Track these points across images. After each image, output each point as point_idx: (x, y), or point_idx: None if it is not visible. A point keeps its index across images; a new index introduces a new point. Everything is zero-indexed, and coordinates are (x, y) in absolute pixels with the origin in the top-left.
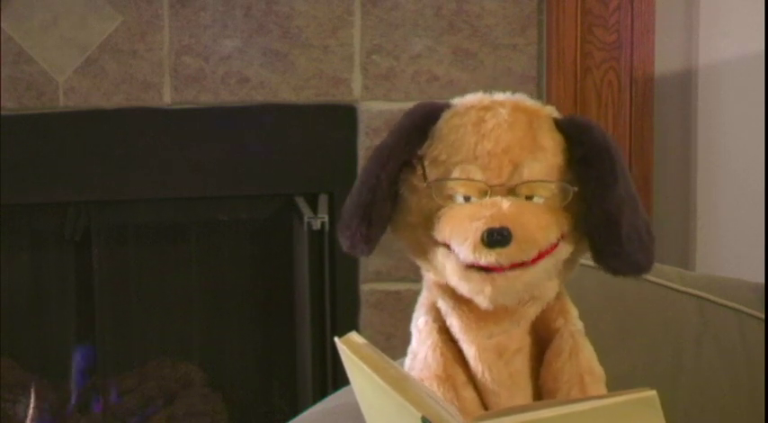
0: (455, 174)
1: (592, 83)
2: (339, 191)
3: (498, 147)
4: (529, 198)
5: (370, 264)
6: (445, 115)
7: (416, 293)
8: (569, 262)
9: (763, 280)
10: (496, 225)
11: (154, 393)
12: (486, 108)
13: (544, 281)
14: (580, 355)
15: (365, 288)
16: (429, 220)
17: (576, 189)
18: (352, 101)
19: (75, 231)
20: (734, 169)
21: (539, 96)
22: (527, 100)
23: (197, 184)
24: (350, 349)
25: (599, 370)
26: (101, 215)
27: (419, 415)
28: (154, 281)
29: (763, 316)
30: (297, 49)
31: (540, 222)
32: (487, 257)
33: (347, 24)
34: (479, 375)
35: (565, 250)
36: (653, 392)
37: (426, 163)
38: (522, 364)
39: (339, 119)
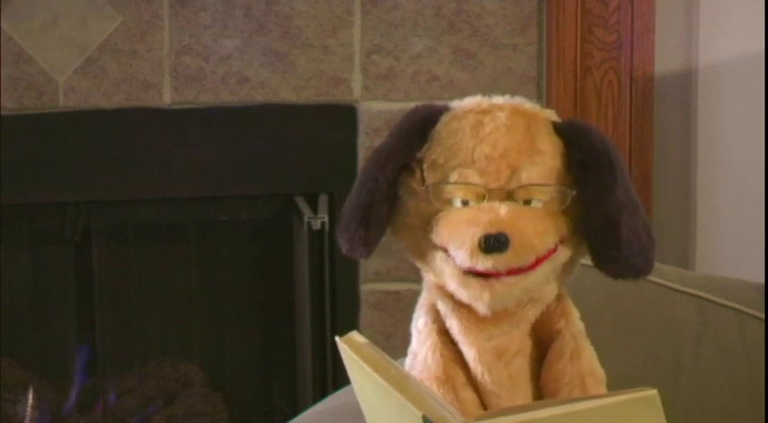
0: (453, 177)
1: (592, 83)
2: (339, 191)
3: (496, 151)
4: (527, 202)
5: (370, 264)
6: (444, 118)
7: (416, 293)
8: (568, 265)
9: (763, 280)
10: (494, 231)
11: (154, 393)
12: (485, 112)
13: (543, 285)
14: (582, 356)
15: (365, 288)
16: (428, 224)
17: (574, 192)
18: (352, 101)
19: (75, 231)
20: (734, 169)
21: (539, 96)
22: (526, 103)
23: (197, 184)
24: (351, 348)
25: (600, 372)
26: (101, 215)
27: (420, 414)
28: (154, 281)
29: (763, 316)
30: (297, 49)
31: (537, 228)
32: (484, 263)
33: (347, 24)
34: (479, 377)
35: (563, 255)
36: (654, 392)
37: (425, 166)
38: (521, 365)
39: (339, 119)
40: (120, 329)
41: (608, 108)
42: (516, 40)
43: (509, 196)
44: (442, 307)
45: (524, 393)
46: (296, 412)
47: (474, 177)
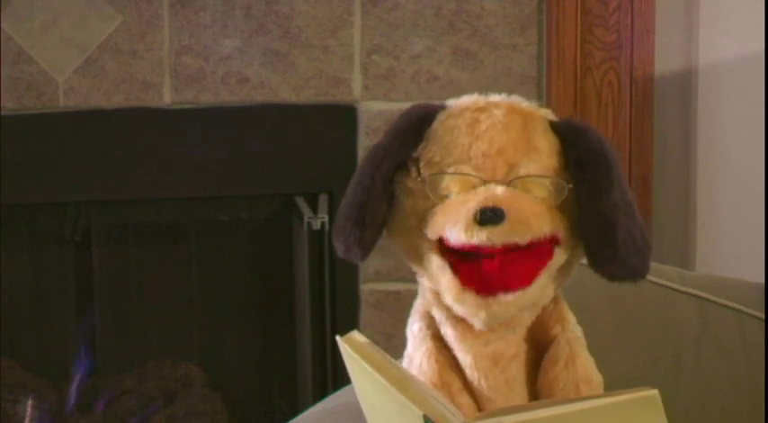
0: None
1: (592, 83)
2: (339, 191)
3: (492, 148)
4: None
5: (370, 264)
6: (440, 117)
7: (416, 293)
8: (565, 268)
9: (763, 280)
10: (489, 204)
11: (154, 393)
12: (481, 109)
13: (539, 297)
14: (577, 362)
15: (365, 288)
16: (424, 222)
17: (570, 186)
18: (352, 101)
19: (75, 231)
20: (734, 169)
21: (539, 96)
22: (522, 102)
23: (197, 184)
24: (351, 348)
25: (597, 378)
26: (101, 215)
27: (421, 414)
28: (154, 281)
29: (763, 316)
30: (297, 49)
31: (534, 209)
32: (479, 235)
33: (347, 24)
34: (475, 383)
35: (559, 258)
36: (654, 391)
37: (421, 164)
38: (517, 370)
39: (339, 119)
40: (120, 329)
41: (608, 108)
42: (516, 40)
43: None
44: (437, 314)
45: (520, 398)
46: (296, 412)
47: (470, 174)
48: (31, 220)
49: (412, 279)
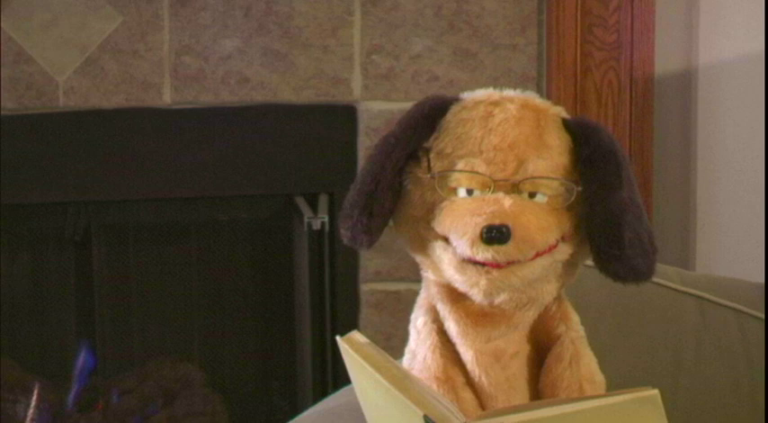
0: (459, 166)
1: (592, 83)
2: (339, 191)
3: (504, 142)
4: (532, 195)
5: (370, 264)
6: (453, 109)
7: (416, 293)
8: (570, 266)
9: (763, 280)
10: (496, 222)
11: (154, 393)
12: (495, 103)
13: (541, 280)
14: (580, 362)
15: (365, 288)
16: (431, 214)
17: (579, 189)
18: (352, 101)
19: (76, 231)
20: (734, 169)
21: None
22: (536, 98)
23: (197, 184)
24: (352, 348)
25: (600, 378)
26: (101, 215)
27: (421, 414)
28: (154, 281)
29: (763, 316)
30: (297, 49)
31: (540, 223)
32: (484, 254)
33: (347, 24)
34: (476, 379)
35: (564, 251)
36: (655, 391)
37: (431, 155)
38: (519, 368)
39: (339, 119)
40: (120, 329)
41: (608, 108)
42: (516, 40)
43: (514, 188)
44: (441, 308)
45: (521, 396)
46: (296, 412)
47: (481, 167)
48: (31, 220)
49: (412, 279)
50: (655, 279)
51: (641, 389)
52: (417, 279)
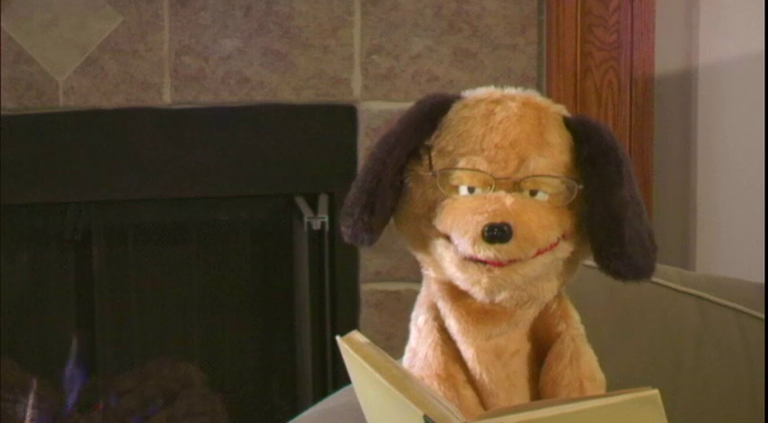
0: (461, 164)
1: (592, 83)
2: (339, 191)
3: (506, 140)
4: (533, 193)
5: (370, 264)
6: (455, 107)
7: (416, 293)
8: (571, 264)
9: (763, 280)
10: (498, 221)
11: (154, 393)
12: (496, 101)
13: (542, 278)
14: (581, 360)
15: (365, 288)
16: (432, 211)
17: (580, 187)
18: (352, 101)
19: (76, 231)
20: (734, 169)
21: None
22: (537, 96)
23: (197, 184)
24: (352, 348)
25: (600, 376)
26: (101, 215)
27: (421, 414)
28: (154, 281)
29: (763, 316)
30: (297, 49)
31: (541, 221)
32: (486, 252)
33: (347, 24)
34: (477, 376)
35: (565, 249)
36: (655, 391)
37: (433, 153)
38: (519, 366)
39: (339, 119)
40: (120, 329)
41: (608, 108)
42: (516, 40)
43: (516, 186)
44: (442, 306)
45: (522, 394)
46: (296, 412)
47: (482, 165)
48: (31, 220)
49: (412, 279)
50: (655, 279)
51: (641, 389)
52: (417, 279)
